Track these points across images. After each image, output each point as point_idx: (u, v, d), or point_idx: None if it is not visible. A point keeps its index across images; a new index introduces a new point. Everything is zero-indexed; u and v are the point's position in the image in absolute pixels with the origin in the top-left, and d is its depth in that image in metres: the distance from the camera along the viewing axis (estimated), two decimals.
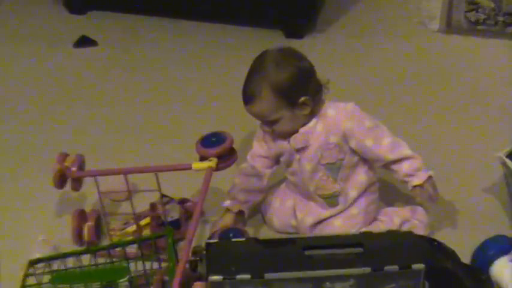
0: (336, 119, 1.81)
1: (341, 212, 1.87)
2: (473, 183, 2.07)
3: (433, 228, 1.92)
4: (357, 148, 1.82)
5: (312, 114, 1.81)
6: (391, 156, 1.81)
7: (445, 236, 1.85)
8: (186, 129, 2.27)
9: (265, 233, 1.94)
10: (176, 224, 1.89)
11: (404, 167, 1.81)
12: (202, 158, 1.80)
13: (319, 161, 1.83)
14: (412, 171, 1.81)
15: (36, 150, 2.22)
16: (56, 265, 1.71)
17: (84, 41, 2.72)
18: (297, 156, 1.84)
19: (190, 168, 1.78)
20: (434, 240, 1.79)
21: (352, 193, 1.87)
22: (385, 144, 1.81)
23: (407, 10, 2.83)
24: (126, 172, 1.81)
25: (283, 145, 1.85)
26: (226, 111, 2.32)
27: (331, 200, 1.87)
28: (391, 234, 1.72)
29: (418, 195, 1.83)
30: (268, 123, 1.81)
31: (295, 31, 2.68)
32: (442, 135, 2.27)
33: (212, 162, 1.77)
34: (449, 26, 2.75)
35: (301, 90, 1.78)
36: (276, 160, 1.91)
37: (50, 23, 2.83)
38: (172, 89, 2.50)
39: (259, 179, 1.92)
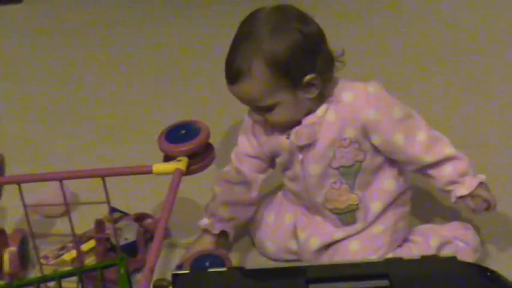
0: (354, 105, 1.79)
1: (364, 228, 1.87)
2: None
3: (487, 253, 1.93)
4: (382, 146, 1.80)
5: (321, 98, 1.80)
6: (429, 158, 1.80)
7: (503, 264, 1.84)
8: (148, 119, 2.30)
9: (254, 260, 1.95)
10: (131, 249, 1.90)
11: (447, 172, 1.80)
12: (168, 158, 1.80)
13: (331, 163, 1.82)
14: (457, 177, 1.80)
15: None
16: None
17: None
18: (300, 156, 1.84)
19: (150, 171, 1.77)
20: (487, 269, 1.79)
21: (375, 206, 1.85)
22: (420, 140, 1.79)
23: None
24: (62, 177, 1.79)
25: (280, 140, 1.84)
26: (202, 93, 2.33)
27: (346, 215, 1.86)
28: (428, 261, 1.70)
29: (467, 208, 1.83)
30: (261, 109, 1.80)
31: None
32: (497, 126, 2.30)
33: (181, 163, 1.76)
34: None
35: (307, 66, 1.75)
36: (271, 161, 1.91)
37: None
38: (125, 62, 2.51)
39: (248, 188, 1.91)
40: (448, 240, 1.90)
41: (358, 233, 1.87)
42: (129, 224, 1.97)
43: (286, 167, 1.88)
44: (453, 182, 1.81)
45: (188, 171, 1.78)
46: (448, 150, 1.81)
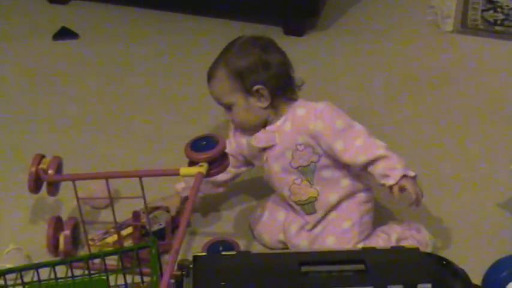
0: (304, 118, 1.83)
1: (323, 217, 1.87)
2: (485, 196, 2.09)
3: (440, 246, 1.93)
4: (328, 151, 1.82)
5: (276, 111, 1.85)
6: (363, 158, 1.79)
7: (454, 255, 1.83)
8: (175, 131, 2.28)
9: (258, 246, 1.95)
10: (161, 234, 1.91)
11: (379, 168, 1.78)
12: (192, 163, 1.81)
13: (291, 163, 1.85)
14: (387, 170, 1.77)
15: (10, 151, 2.24)
16: (28, 277, 1.71)
17: (64, 33, 2.74)
18: (264, 155, 1.87)
19: (178, 173, 1.78)
20: (443, 258, 1.78)
21: (332, 198, 1.86)
22: (356, 146, 1.79)
23: (418, 8, 2.86)
24: (107, 176, 1.81)
25: (250, 142, 1.88)
26: (220, 113, 2.33)
27: (308, 205, 1.88)
28: (395, 250, 1.72)
29: (396, 197, 1.78)
30: (225, 107, 1.87)
31: (295, 28, 2.70)
32: (453, 145, 2.28)
33: (202, 168, 1.77)
34: (465, 26, 2.77)
35: (257, 79, 1.82)
36: (245, 160, 1.94)
37: (28, 14, 2.84)
38: (161, 87, 2.51)
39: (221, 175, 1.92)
40: (404, 236, 1.90)
41: (325, 225, 1.87)
42: (162, 214, 1.96)
43: (261, 166, 1.91)
44: (385, 176, 1.78)
45: (208, 175, 1.79)
46: (380, 151, 1.79)
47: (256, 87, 1.82)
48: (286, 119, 1.85)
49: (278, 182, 1.89)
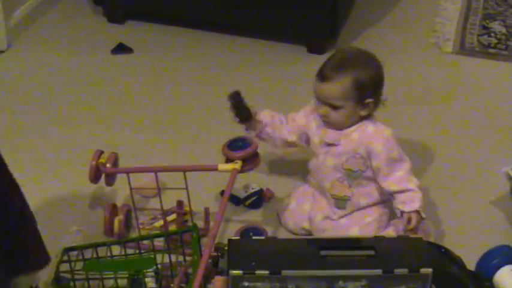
0: (370, 136, 1.81)
1: (348, 214, 1.86)
2: (481, 196, 2.07)
3: (441, 236, 1.91)
4: (373, 168, 1.82)
5: (362, 119, 1.81)
6: (395, 188, 1.80)
7: (452, 244, 1.83)
8: (212, 133, 2.28)
9: (283, 233, 1.95)
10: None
11: (402, 196, 1.80)
12: (228, 160, 1.81)
13: (343, 163, 1.83)
14: (407, 200, 1.79)
15: (75, 147, 2.24)
16: (88, 254, 1.73)
17: (120, 48, 2.74)
18: (325, 149, 1.85)
19: (216, 169, 1.79)
20: (442, 247, 1.79)
21: (362, 202, 1.86)
22: (396, 176, 1.80)
23: (423, 32, 2.83)
24: (156, 170, 1.82)
25: (320, 132, 1.85)
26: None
27: (340, 202, 1.87)
28: (402, 239, 1.73)
29: (403, 222, 1.80)
30: (329, 106, 1.78)
31: (317, 47, 2.69)
32: (452, 151, 2.26)
33: (237, 165, 1.77)
34: (463, 48, 2.75)
35: (373, 92, 1.78)
36: (305, 137, 1.91)
37: (91, 32, 2.85)
38: (203, 95, 2.51)
39: (282, 132, 1.90)
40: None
41: (351, 218, 1.86)
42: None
43: (316, 153, 1.87)
44: (403, 203, 1.80)
45: (241, 171, 1.79)
46: (410, 186, 1.80)
47: (368, 100, 1.78)
48: (357, 130, 1.81)
49: (324, 174, 1.86)
